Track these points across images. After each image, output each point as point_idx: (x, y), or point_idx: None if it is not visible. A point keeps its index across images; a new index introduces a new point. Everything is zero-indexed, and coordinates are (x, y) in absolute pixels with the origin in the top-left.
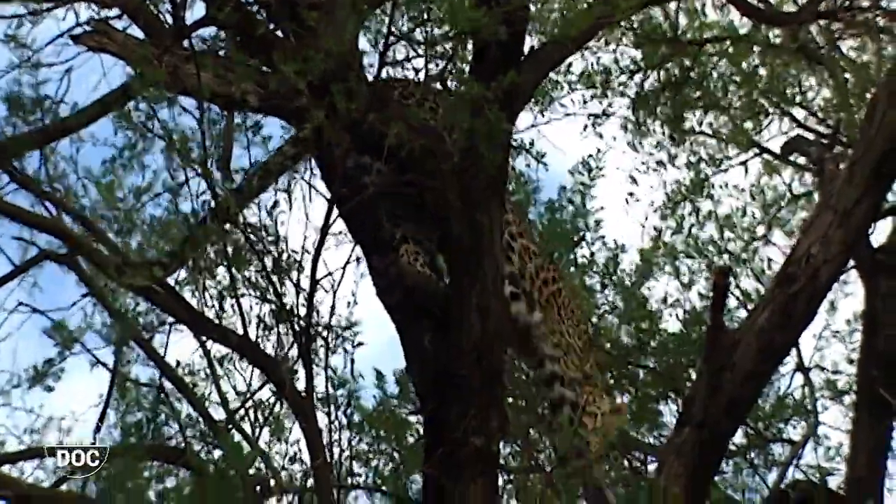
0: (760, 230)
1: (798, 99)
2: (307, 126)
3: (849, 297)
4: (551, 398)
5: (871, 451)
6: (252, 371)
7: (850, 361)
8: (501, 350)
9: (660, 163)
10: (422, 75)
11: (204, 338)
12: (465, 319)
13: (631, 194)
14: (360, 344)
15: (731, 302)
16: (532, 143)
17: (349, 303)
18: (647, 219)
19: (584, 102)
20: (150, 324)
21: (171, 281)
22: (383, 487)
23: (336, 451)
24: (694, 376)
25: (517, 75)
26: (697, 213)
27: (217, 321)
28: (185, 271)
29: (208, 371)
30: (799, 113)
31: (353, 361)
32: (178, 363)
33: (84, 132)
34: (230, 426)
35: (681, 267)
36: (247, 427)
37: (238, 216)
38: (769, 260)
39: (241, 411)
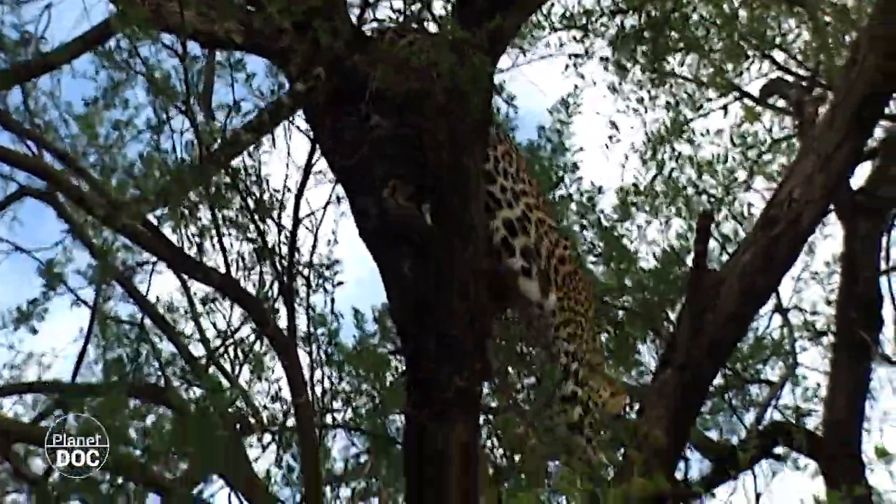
0: (741, 174)
1: (778, 41)
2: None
3: (828, 238)
4: (563, 394)
5: (849, 394)
6: (232, 309)
7: (829, 303)
8: (484, 292)
9: (640, 100)
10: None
11: (186, 276)
12: (445, 259)
13: (611, 137)
14: (340, 283)
15: (712, 244)
16: (502, 86)
17: (329, 241)
18: (626, 158)
19: (561, 45)
20: (131, 264)
21: (152, 219)
22: (363, 427)
23: (317, 390)
24: (672, 316)
25: (502, 20)
26: (678, 157)
27: (199, 260)
28: (167, 210)
29: (189, 309)
30: (779, 56)
31: (333, 301)
32: (158, 299)
33: (65, 68)
34: (211, 364)
35: (660, 208)
36: (227, 365)
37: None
38: (749, 204)
39: (222, 350)
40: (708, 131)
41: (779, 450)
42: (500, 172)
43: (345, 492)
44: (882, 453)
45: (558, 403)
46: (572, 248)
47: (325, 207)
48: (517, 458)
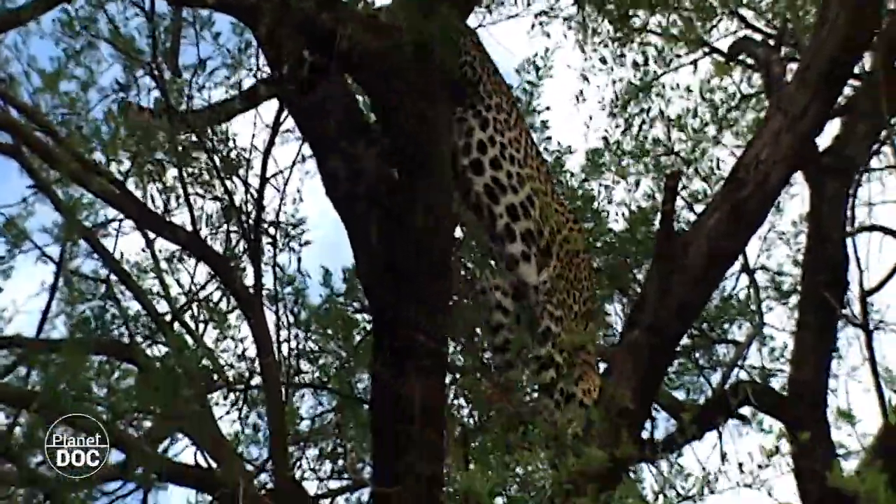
0: (710, 130)
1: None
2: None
3: (795, 198)
4: (538, 355)
5: (816, 355)
6: (196, 267)
7: (796, 263)
8: (450, 247)
9: (602, 60)
10: None
11: (152, 234)
12: (412, 216)
13: (580, 92)
14: (307, 242)
15: (680, 203)
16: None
17: (295, 199)
18: (591, 119)
19: (528, 4)
20: (99, 222)
21: (118, 176)
22: (330, 386)
23: (284, 349)
24: (640, 276)
25: None
26: (647, 111)
27: (166, 218)
28: (134, 168)
29: (154, 267)
30: (747, 13)
31: (300, 260)
32: (122, 255)
33: (32, 26)
34: (176, 322)
35: (628, 167)
36: (193, 324)
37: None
38: (718, 160)
39: (188, 308)
40: (678, 85)
41: (744, 410)
42: (506, 158)
43: (312, 451)
44: (845, 415)
45: (533, 364)
46: (581, 232)
47: (292, 166)
48: (484, 418)
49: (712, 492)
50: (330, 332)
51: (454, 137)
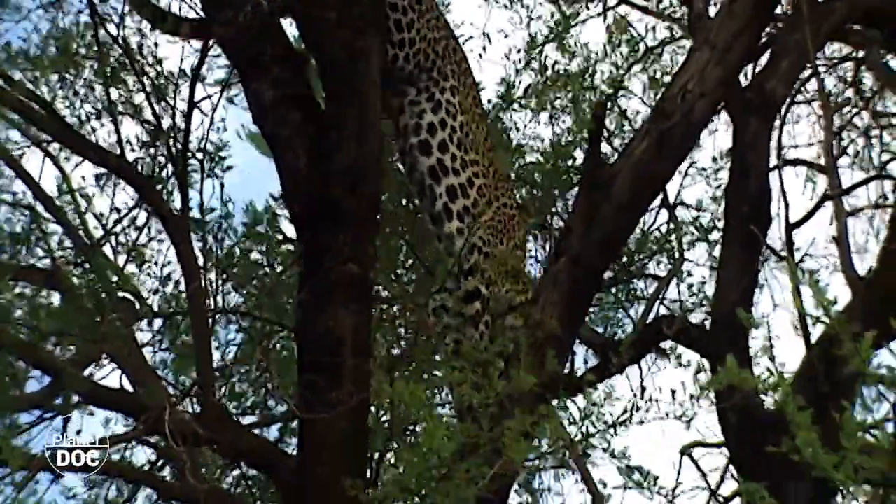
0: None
1: None
2: None
3: (714, 134)
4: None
5: (738, 288)
6: (116, 191)
7: (715, 199)
8: (378, 177)
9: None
10: None
11: (78, 157)
12: (340, 145)
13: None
14: (229, 167)
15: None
16: None
17: (219, 127)
18: (507, 57)
19: None
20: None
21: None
22: (256, 313)
23: (210, 276)
24: (560, 209)
25: None
26: (563, 51)
27: (93, 141)
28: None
29: (79, 191)
30: None
31: (222, 186)
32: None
33: None
34: (101, 247)
35: (546, 103)
36: (118, 249)
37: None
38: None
39: (113, 233)
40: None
41: (665, 344)
42: (452, 141)
43: (237, 378)
44: (765, 349)
45: (459, 296)
46: (524, 219)
47: (221, 90)
48: (408, 346)
49: (641, 422)
50: (255, 257)
51: (406, 118)
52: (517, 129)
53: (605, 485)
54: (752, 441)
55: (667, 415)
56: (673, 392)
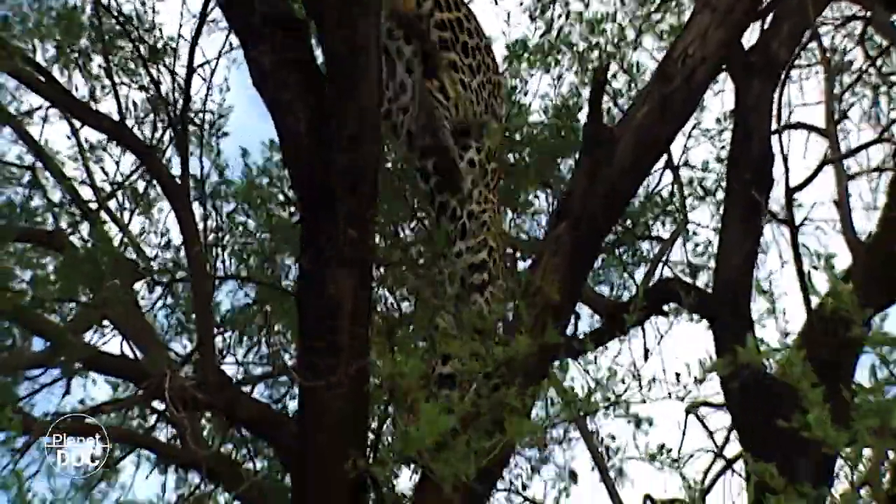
0: (630, 33)
1: None
2: None
3: (718, 95)
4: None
5: (740, 253)
6: (122, 156)
7: (720, 160)
8: (377, 142)
9: None
10: None
11: (79, 123)
12: (343, 116)
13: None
14: (225, 134)
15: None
16: None
17: (221, 89)
18: (508, 16)
19: None
20: (20, 108)
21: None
22: (256, 277)
23: (209, 239)
24: (564, 170)
25: None
26: (567, 14)
27: (93, 108)
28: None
29: (79, 155)
30: None
31: (219, 152)
32: (47, 143)
33: None
34: (101, 210)
35: (551, 63)
36: (118, 213)
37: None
38: (637, 63)
39: (113, 196)
40: None
41: (667, 308)
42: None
43: (236, 342)
44: (768, 312)
45: (464, 266)
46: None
47: (219, 56)
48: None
49: (644, 401)
50: (253, 215)
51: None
52: (524, 87)
53: (613, 439)
54: (755, 407)
55: (669, 395)
56: (677, 375)
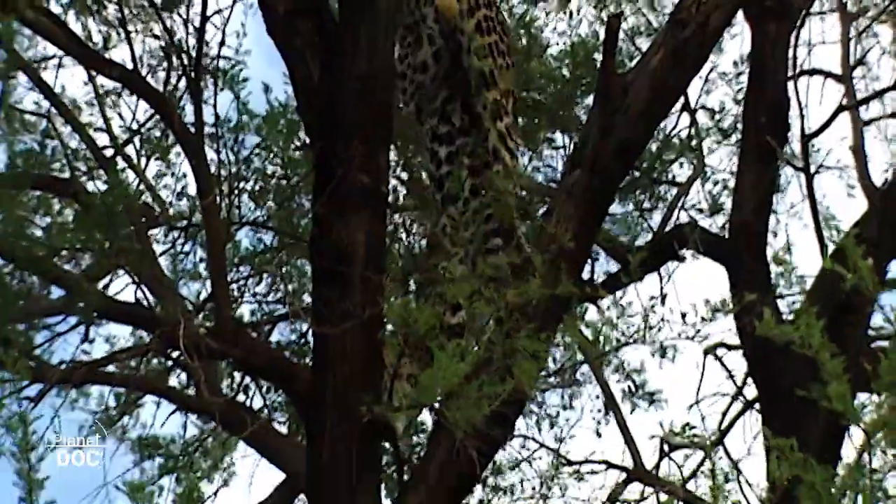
0: None
1: None
2: None
3: (735, 38)
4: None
5: (756, 197)
6: (138, 105)
7: (737, 102)
8: (390, 87)
9: None
10: None
11: (92, 71)
12: (355, 58)
13: None
14: (245, 79)
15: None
16: None
17: (238, 34)
18: None
19: None
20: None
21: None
22: (271, 224)
23: (224, 187)
24: (583, 115)
25: None
26: None
27: (107, 57)
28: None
29: (95, 102)
30: None
31: (238, 99)
32: (64, 89)
33: None
34: (117, 157)
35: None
36: (134, 159)
37: None
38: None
39: (129, 144)
40: None
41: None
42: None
43: (250, 289)
44: (779, 261)
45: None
46: None
47: (232, 4)
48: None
49: (653, 342)
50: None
51: None
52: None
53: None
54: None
55: (679, 335)
56: (683, 314)
